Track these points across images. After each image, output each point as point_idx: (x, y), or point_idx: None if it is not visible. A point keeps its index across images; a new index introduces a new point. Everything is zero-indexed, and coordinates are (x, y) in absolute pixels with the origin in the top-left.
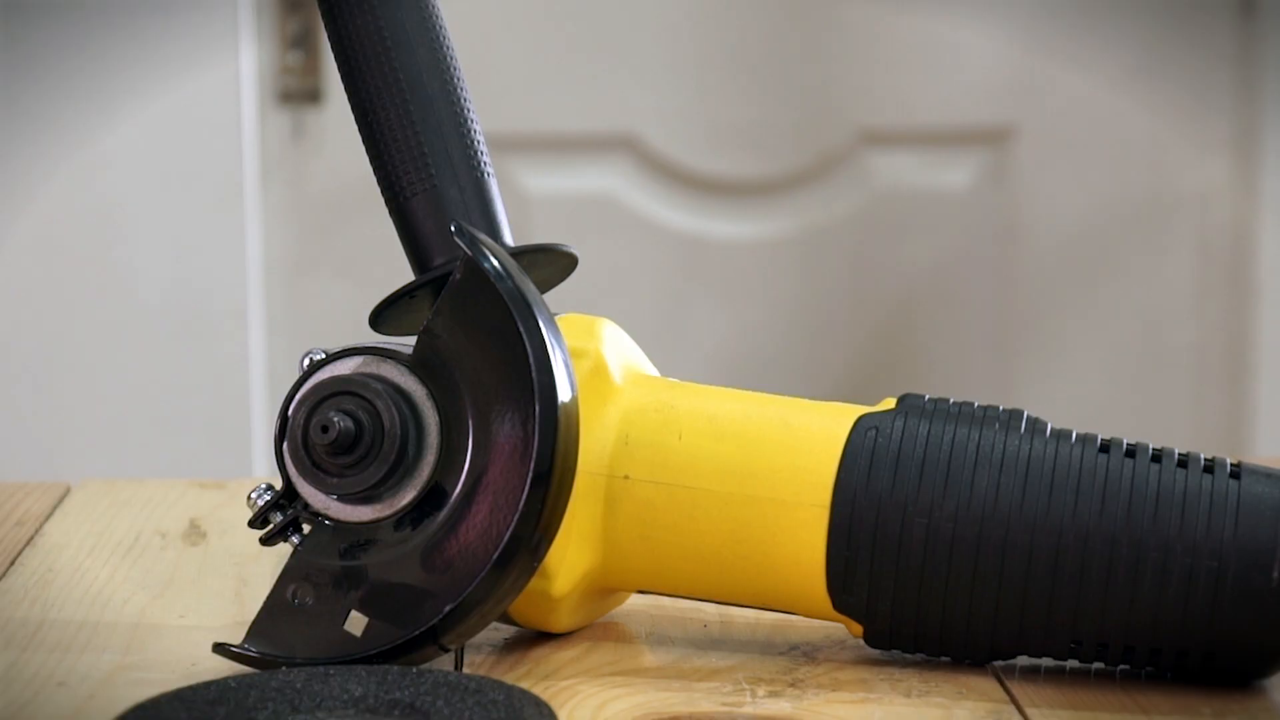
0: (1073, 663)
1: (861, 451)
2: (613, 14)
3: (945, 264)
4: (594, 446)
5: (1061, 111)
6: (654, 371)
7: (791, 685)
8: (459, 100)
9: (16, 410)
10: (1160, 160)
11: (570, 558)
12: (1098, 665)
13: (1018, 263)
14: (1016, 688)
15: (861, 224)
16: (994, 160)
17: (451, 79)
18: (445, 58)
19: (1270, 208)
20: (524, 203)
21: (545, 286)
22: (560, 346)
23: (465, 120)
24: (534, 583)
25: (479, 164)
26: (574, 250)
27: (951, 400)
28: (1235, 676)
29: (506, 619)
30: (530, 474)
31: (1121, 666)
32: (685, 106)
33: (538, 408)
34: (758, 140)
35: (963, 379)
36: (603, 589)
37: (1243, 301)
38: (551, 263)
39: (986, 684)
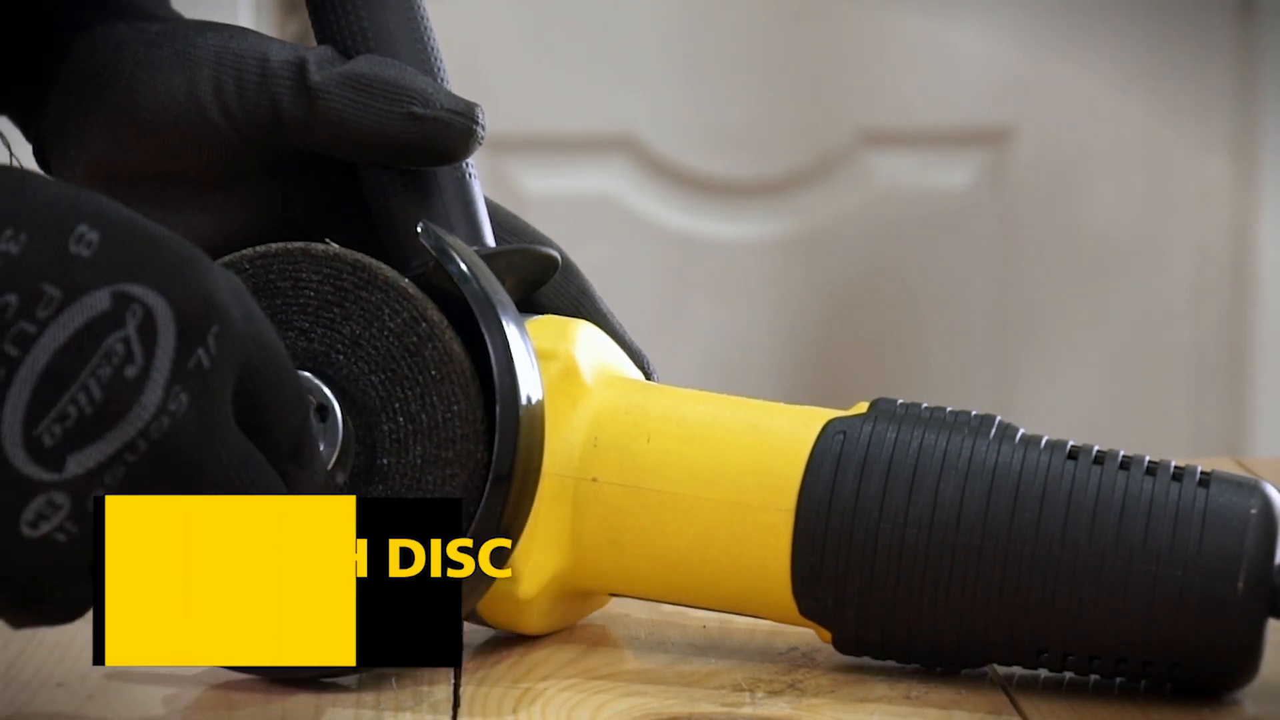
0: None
1: (828, 456)
2: (612, 14)
3: (944, 264)
4: (562, 448)
5: (1061, 111)
6: (636, 374)
7: (791, 686)
8: None
9: None
10: (1160, 160)
11: (537, 560)
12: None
13: (1017, 263)
14: (1016, 690)
15: (861, 225)
16: (994, 161)
17: (435, 79)
18: (430, 58)
19: (1270, 208)
20: (523, 203)
21: (528, 288)
22: (527, 348)
23: None
24: (501, 584)
25: (461, 164)
26: (554, 251)
27: (924, 405)
28: (1203, 688)
29: (481, 620)
30: (490, 475)
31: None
32: (684, 107)
33: (499, 410)
34: (757, 141)
35: (962, 380)
36: (575, 591)
37: (1243, 301)
38: (532, 264)
39: (986, 686)
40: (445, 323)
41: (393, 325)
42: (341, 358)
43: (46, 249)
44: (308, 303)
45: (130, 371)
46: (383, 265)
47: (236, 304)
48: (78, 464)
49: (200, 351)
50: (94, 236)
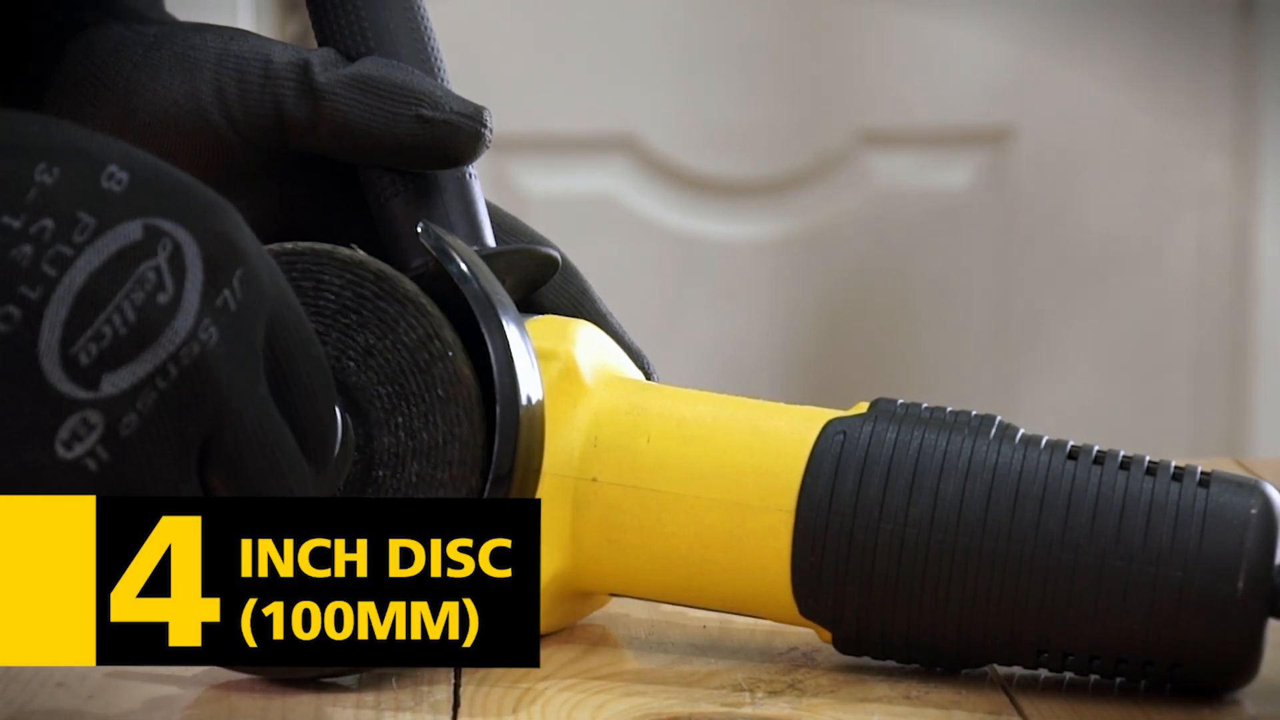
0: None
1: (828, 456)
2: (611, 14)
3: (944, 264)
4: (562, 449)
5: (1061, 111)
6: (636, 374)
7: (791, 686)
8: None
9: None
10: (1160, 160)
11: None
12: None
13: (1017, 263)
14: (1016, 690)
15: (861, 225)
16: (994, 160)
17: (437, 80)
18: (431, 59)
19: (1270, 208)
20: (523, 204)
21: (528, 288)
22: (527, 348)
23: None
24: None
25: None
26: (554, 251)
27: (924, 405)
28: (1203, 688)
29: None
30: (490, 476)
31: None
32: (684, 107)
33: (499, 410)
34: (757, 140)
35: (962, 379)
36: (575, 591)
37: (1243, 301)
38: (532, 264)
39: (986, 686)
40: (459, 344)
41: (407, 340)
42: (353, 364)
43: (80, 181)
44: (326, 306)
45: (162, 298)
46: (405, 278)
47: (259, 256)
48: (112, 384)
49: (226, 292)
50: (124, 175)
